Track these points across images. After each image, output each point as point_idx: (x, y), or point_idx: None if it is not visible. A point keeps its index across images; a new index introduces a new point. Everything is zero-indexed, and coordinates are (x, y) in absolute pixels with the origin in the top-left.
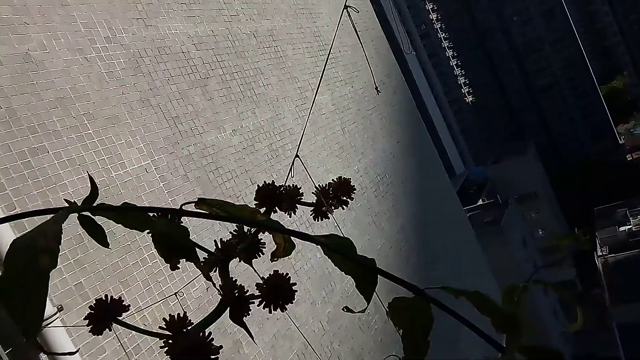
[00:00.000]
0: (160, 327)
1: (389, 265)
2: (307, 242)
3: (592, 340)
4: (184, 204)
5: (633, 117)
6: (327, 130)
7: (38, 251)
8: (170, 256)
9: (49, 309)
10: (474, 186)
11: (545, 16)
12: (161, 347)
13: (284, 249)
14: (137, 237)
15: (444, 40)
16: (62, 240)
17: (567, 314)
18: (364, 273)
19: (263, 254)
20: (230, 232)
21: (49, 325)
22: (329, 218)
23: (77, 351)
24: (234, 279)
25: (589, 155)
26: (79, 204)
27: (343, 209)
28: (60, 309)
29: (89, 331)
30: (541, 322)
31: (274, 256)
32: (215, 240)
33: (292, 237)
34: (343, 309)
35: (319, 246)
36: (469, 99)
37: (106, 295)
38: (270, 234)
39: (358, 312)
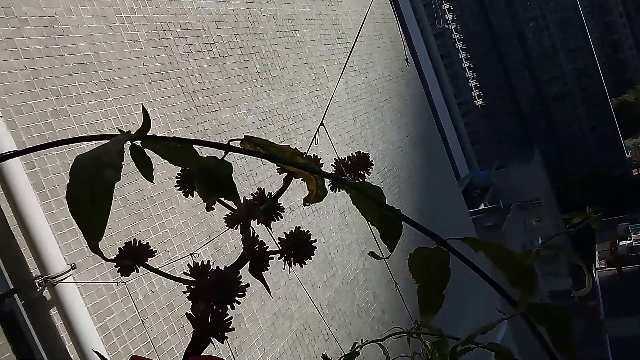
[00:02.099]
0: (185, 273)
1: (392, 255)
2: (314, 230)
3: (584, 353)
4: (232, 140)
5: None
6: (339, 118)
7: (103, 164)
8: (211, 194)
9: (63, 266)
10: (477, 190)
11: (562, 24)
12: (184, 292)
13: (316, 195)
14: (149, 206)
15: (457, 41)
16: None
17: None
18: (389, 221)
19: (282, 217)
20: (251, 194)
21: (63, 281)
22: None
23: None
24: (255, 235)
25: (594, 167)
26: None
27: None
28: (73, 267)
29: (117, 271)
30: None
31: (306, 201)
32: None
33: (325, 185)
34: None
35: (323, 231)
36: (479, 102)
37: (134, 240)
38: (303, 181)
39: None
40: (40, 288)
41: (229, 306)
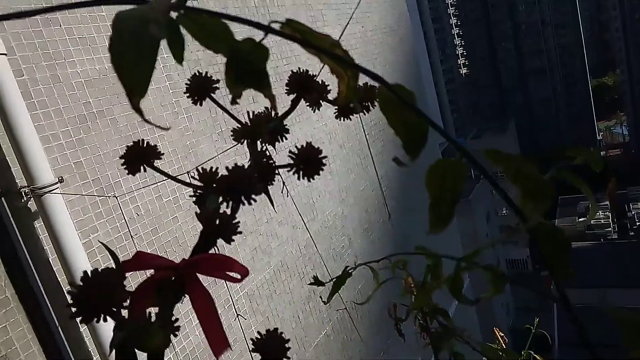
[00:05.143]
0: (193, 178)
1: (370, 206)
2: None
3: (532, 319)
4: (272, 22)
5: (615, 116)
6: None
7: (149, 20)
8: (240, 81)
9: (50, 178)
10: (451, 157)
11: None
12: (190, 196)
13: (345, 97)
14: (139, 130)
15: (450, 6)
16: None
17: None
18: (416, 127)
19: (286, 139)
20: (258, 112)
21: (50, 192)
22: (350, 119)
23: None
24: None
25: (564, 144)
26: None
27: (365, 114)
28: (60, 181)
29: (124, 169)
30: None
31: (335, 103)
32: (247, 111)
33: (356, 88)
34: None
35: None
36: (464, 71)
37: (142, 139)
38: (337, 78)
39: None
40: (27, 197)
41: (242, 202)
